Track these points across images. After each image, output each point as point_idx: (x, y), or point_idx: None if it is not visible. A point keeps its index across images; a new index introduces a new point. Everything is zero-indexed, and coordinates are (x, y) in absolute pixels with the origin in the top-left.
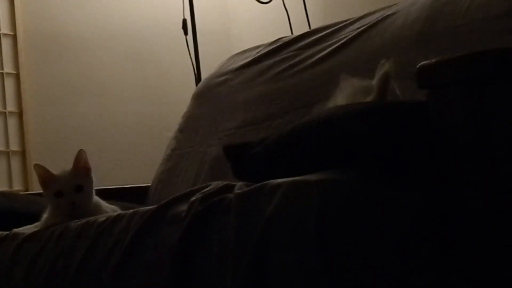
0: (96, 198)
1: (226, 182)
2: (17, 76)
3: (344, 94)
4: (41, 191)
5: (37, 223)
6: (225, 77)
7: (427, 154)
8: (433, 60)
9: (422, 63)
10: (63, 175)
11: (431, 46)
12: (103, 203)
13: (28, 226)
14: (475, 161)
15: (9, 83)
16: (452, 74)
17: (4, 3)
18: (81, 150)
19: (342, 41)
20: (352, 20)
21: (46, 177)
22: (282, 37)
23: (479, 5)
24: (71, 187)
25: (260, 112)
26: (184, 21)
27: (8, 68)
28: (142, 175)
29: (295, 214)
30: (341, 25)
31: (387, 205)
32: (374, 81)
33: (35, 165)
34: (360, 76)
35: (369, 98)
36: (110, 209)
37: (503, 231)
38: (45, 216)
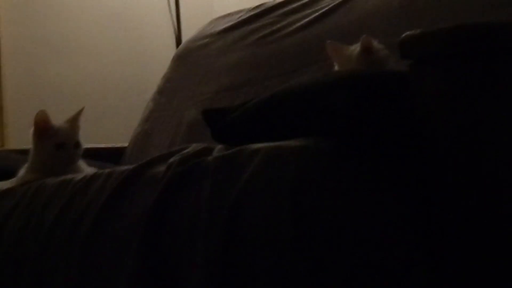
0: None
1: (205, 145)
2: None
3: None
4: (18, 148)
5: (13, 179)
6: (205, 40)
7: (406, 125)
8: (417, 31)
9: (406, 33)
10: (64, 128)
11: (414, 16)
12: (83, 162)
13: (3, 182)
14: (453, 136)
15: None
16: (436, 47)
17: None
18: (83, 107)
19: (325, 9)
20: None
21: (46, 127)
22: (265, 3)
23: None
24: (71, 141)
25: (239, 77)
26: None
27: None
28: (120, 135)
29: (271, 181)
30: None
31: (363, 177)
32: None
33: (41, 111)
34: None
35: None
36: (89, 169)
37: (476, 196)
38: (22, 172)
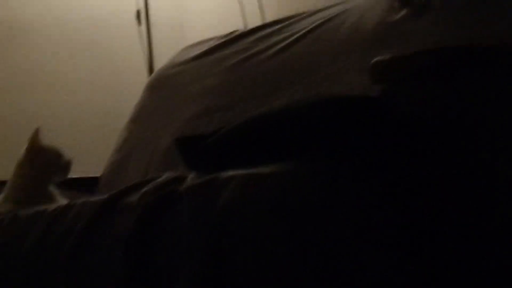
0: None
1: (178, 173)
2: None
3: None
4: None
5: None
6: (178, 68)
7: (381, 145)
8: (387, 56)
9: (376, 59)
10: (53, 152)
11: (387, 42)
12: (57, 192)
13: None
14: (427, 155)
15: None
16: (405, 71)
17: None
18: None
19: (297, 35)
20: (307, 13)
21: (39, 148)
22: (236, 30)
23: None
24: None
25: (212, 104)
26: (138, 11)
27: None
28: (94, 165)
29: (250, 207)
30: (296, 18)
31: (340, 199)
32: None
33: (38, 128)
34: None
35: None
36: (62, 199)
37: (456, 216)
38: None
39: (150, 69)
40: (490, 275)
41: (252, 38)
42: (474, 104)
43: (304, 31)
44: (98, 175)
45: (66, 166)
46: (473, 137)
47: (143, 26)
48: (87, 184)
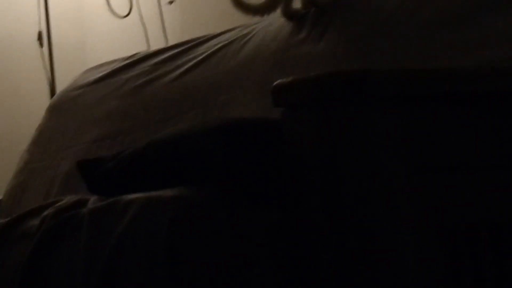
0: None
1: (79, 197)
2: None
3: None
4: None
5: None
6: (80, 90)
7: (278, 173)
8: (288, 79)
9: (277, 81)
10: None
11: (287, 65)
12: None
13: None
14: (322, 182)
15: None
16: (305, 95)
17: None
18: None
19: (199, 58)
20: (209, 36)
21: None
22: (139, 52)
23: None
24: None
25: (114, 127)
26: (40, 33)
27: None
28: None
29: (147, 230)
30: (198, 41)
31: (235, 223)
32: None
33: None
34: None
35: None
36: None
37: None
38: None
39: (52, 91)
40: None
41: (155, 60)
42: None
43: (205, 54)
44: None
45: None
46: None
47: (45, 48)
48: None
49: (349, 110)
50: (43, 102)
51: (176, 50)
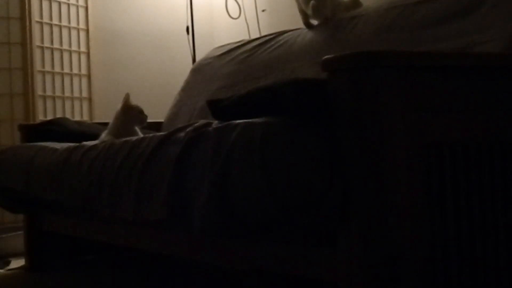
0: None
1: (208, 121)
2: None
3: None
4: (101, 121)
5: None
6: (209, 60)
7: (325, 110)
8: (330, 56)
9: (324, 56)
10: (137, 108)
11: (332, 48)
12: (138, 129)
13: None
14: (350, 119)
15: None
16: (340, 64)
17: None
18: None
19: (279, 43)
20: (283, 31)
21: (128, 105)
22: (243, 39)
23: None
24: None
25: (230, 81)
26: (187, 27)
27: None
28: (159, 115)
29: (247, 140)
30: (277, 34)
31: (301, 137)
32: None
33: (127, 94)
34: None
35: None
36: (141, 134)
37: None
38: (102, 135)
39: (194, 60)
40: None
41: (253, 44)
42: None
43: (282, 41)
44: (162, 120)
45: (144, 119)
46: None
47: (190, 36)
48: (155, 126)
49: (367, 73)
50: (188, 67)
51: (266, 39)
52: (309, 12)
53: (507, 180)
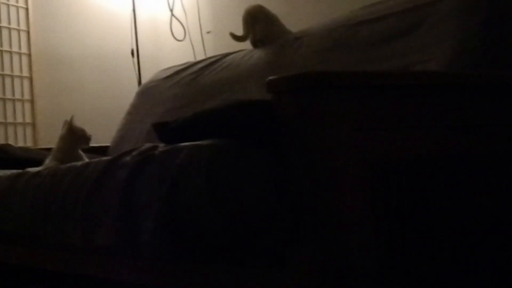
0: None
1: (154, 144)
2: None
3: None
4: (45, 146)
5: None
6: (155, 82)
7: (271, 130)
8: (275, 76)
9: (269, 78)
10: (81, 131)
11: (276, 70)
12: (83, 154)
13: (35, 168)
14: (297, 140)
15: None
16: (285, 85)
17: None
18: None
19: (225, 64)
20: (229, 53)
21: (73, 127)
22: (189, 61)
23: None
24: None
25: (176, 104)
26: (132, 50)
27: None
28: (105, 139)
29: (193, 163)
30: (223, 55)
31: (246, 159)
32: None
33: (72, 116)
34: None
35: None
36: (86, 158)
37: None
38: (46, 161)
39: (139, 83)
40: None
41: (199, 66)
42: None
43: (228, 62)
44: (108, 144)
45: (88, 139)
46: None
47: (135, 59)
48: (101, 150)
49: (311, 94)
50: (134, 90)
51: (211, 60)
52: (257, 34)
53: (452, 194)
